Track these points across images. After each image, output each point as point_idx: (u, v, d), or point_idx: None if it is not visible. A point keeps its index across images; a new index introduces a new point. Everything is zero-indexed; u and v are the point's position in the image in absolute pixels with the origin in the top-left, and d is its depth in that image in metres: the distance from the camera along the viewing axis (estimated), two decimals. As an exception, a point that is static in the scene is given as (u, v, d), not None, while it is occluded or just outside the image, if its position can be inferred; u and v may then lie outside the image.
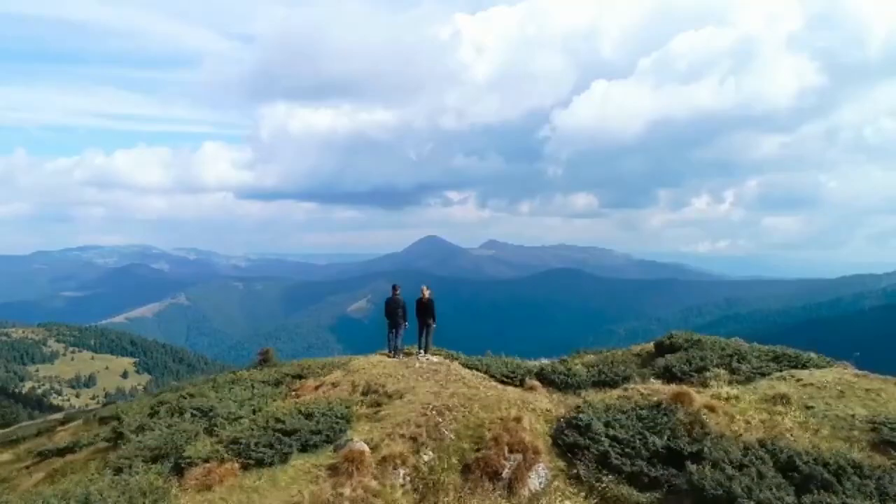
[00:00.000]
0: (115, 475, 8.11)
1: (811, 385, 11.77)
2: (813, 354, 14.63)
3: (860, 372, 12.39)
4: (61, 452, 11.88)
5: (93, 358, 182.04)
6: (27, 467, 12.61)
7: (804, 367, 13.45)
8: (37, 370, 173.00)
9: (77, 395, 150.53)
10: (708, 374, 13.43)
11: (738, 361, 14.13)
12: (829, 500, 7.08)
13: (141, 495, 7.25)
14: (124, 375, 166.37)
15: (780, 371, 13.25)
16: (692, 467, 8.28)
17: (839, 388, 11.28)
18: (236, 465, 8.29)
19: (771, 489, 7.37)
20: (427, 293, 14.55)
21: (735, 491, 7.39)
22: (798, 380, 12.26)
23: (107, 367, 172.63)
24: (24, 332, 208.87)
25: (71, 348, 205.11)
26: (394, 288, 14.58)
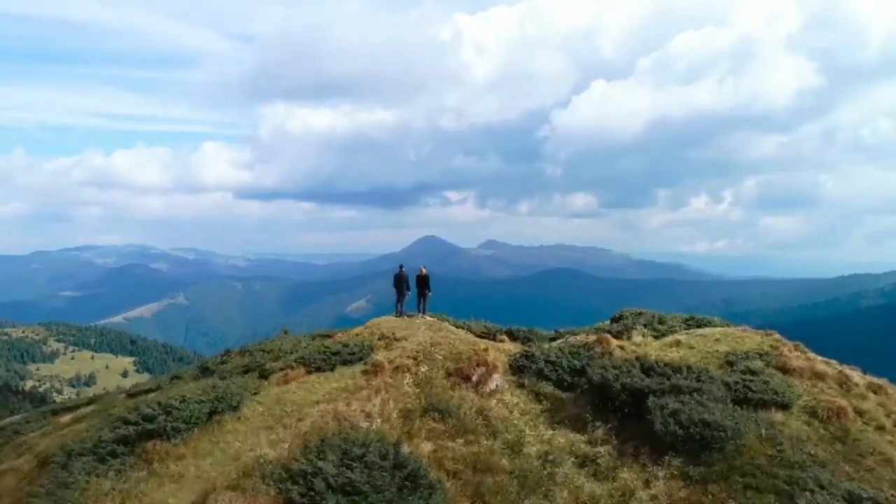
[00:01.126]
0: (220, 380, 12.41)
1: (701, 336, 16.12)
2: (717, 319, 19.08)
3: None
4: (158, 387, 15.94)
5: (93, 357, 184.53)
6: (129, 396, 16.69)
7: (705, 326, 17.87)
8: (37, 369, 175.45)
9: (77, 394, 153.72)
10: (634, 331, 17.82)
11: (659, 324, 18.55)
12: (665, 381, 11.46)
13: (244, 386, 11.57)
14: (124, 375, 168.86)
15: (688, 330, 17.65)
16: (589, 371, 12.65)
17: (717, 337, 15.71)
18: (302, 371, 12.59)
19: (632, 378, 11.73)
20: (424, 271, 19.18)
21: (609, 378, 11.71)
22: (696, 334, 16.65)
23: (107, 367, 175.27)
24: (24, 331, 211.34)
25: (71, 348, 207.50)
26: (400, 267, 19.02)
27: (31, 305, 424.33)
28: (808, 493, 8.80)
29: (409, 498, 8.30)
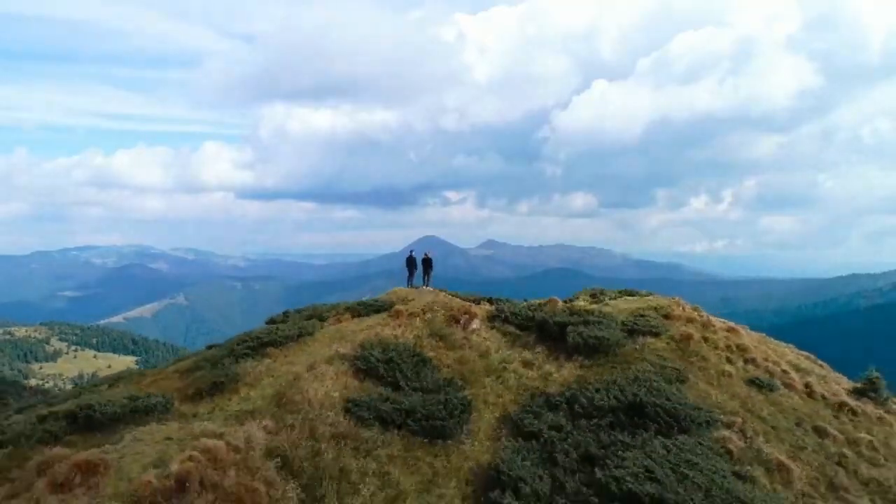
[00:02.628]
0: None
1: (625, 300, 23.22)
2: (647, 291, 26.13)
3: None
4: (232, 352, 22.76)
5: (95, 357, 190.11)
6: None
7: (635, 295, 24.95)
8: (40, 368, 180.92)
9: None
10: (578, 298, 24.92)
11: (601, 294, 25.65)
12: (581, 319, 18.52)
13: (313, 324, 18.64)
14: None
15: (620, 297, 24.68)
16: (537, 316, 19.73)
17: (636, 301, 22.79)
18: (349, 315, 19.65)
19: (561, 317, 18.82)
20: (428, 255, 26.34)
21: (547, 319, 18.80)
22: (622, 299, 23.71)
23: (109, 366, 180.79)
24: (26, 330, 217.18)
25: (73, 347, 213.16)
26: (411, 252, 26.31)
27: (31, 305, 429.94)
28: (648, 370, 15.86)
29: (423, 367, 15.41)
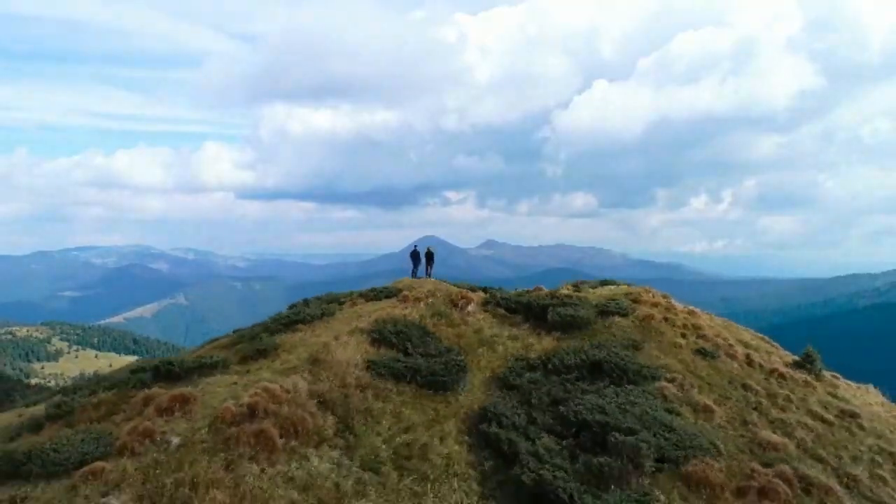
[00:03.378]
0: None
1: (602, 288, 26.86)
2: (624, 282, 29.69)
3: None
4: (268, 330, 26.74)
5: (97, 356, 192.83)
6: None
7: (611, 285, 28.56)
8: (42, 367, 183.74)
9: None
10: (561, 287, 28.53)
11: (582, 284, 29.21)
12: (559, 301, 22.10)
13: (333, 307, 22.26)
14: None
15: (598, 287, 28.32)
16: (524, 299, 23.35)
17: (612, 289, 26.37)
18: (363, 300, 23.30)
19: (543, 301, 22.44)
20: (431, 249, 29.94)
21: (531, 302, 22.43)
22: (601, 287, 27.32)
23: (110, 366, 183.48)
24: (28, 330, 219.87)
25: (75, 347, 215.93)
26: (415, 246, 29.93)
27: (32, 305, 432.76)
28: (611, 340, 19.41)
29: (427, 339, 18.99)
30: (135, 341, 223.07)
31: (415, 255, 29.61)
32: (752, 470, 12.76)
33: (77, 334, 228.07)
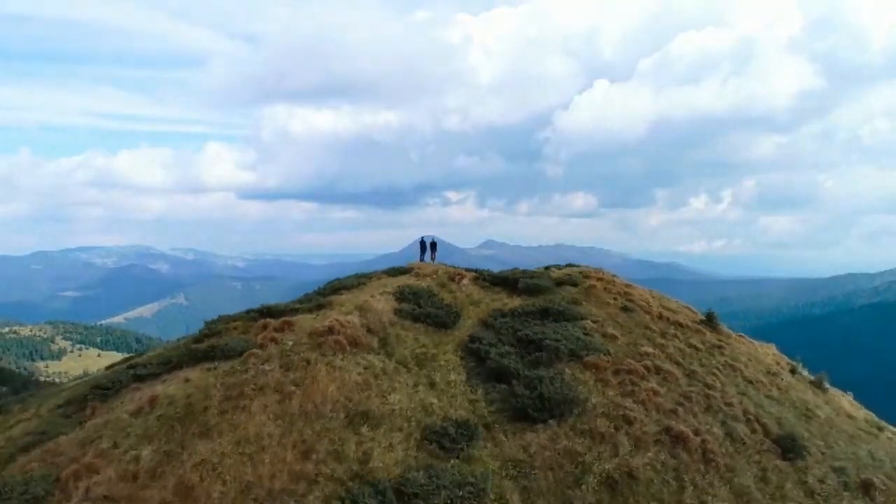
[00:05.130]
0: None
1: (567, 268, 36.14)
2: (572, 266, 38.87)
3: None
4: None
5: (99, 355, 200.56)
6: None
7: (574, 267, 37.77)
8: (46, 366, 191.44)
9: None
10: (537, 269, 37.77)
11: (549, 267, 38.45)
12: (527, 275, 31.21)
13: (356, 281, 31.41)
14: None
15: (561, 268, 37.48)
16: (503, 274, 32.50)
17: (572, 271, 35.59)
18: (387, 276, 32.65)
19: (517, 276, 31.65)
20: (435, 240, 39.29)
21: (507, 276, 31.58)
22: (561, 268, 36.55)
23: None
24: (31, 329, 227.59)
25: (78, 346, 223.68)
26: (422, 238, 39.29)
27: (33, 306, 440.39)
28: (560, 299, 28.55)
29: (434, 298, 28.21)
30: (137, 340, 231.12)
31: (422, 245, 38.90)
32: (628, 363, 21.95)
33: (80, 333, 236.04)
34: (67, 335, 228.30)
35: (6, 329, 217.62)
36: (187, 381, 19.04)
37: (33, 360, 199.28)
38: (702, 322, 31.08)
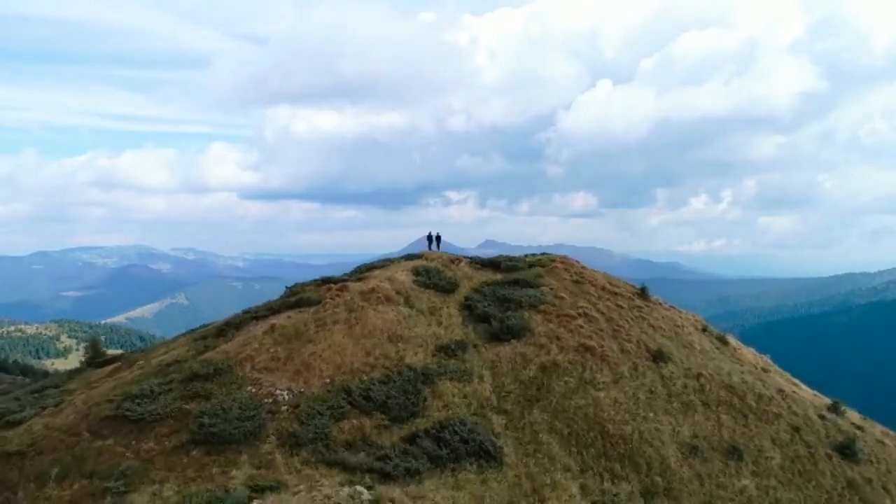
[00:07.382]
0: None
1: (539, 256, 48.69)
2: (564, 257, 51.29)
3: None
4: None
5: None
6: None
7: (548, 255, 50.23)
8: (52, 364, 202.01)
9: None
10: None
11: (528, 256, 50.91)
12: (508, 259, 43.64)
13: (375, 266, 43.92)
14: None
15: (530, 257, 49.94)
16: (492, 258, 44.98)
17: (542, 258, 48.07)
18: (404, 261, 45.25)
19: (503, 261, 44.12)
20: (440, 234, 51.92)
21: (493, 260, 44.15)
22: (539, 256, 49.05)
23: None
24: (37, 328, 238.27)
25: (83, 344, 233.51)
26: (429, 232, 51.95)
27: (35, 306, 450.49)
28: (528, 275, 41.05)
29: (440, 274, 40.82)
30: (140, 338, 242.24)
31: (430, 238, 51.51)
32: (567, 311, 34.48)
33: (85, 332, 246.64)
34: (73, 333, 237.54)
35: (12, 327, 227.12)
36: (289, 317, 31.61)
37: (39, 357, 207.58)
38: (636, 294, 43.60)
